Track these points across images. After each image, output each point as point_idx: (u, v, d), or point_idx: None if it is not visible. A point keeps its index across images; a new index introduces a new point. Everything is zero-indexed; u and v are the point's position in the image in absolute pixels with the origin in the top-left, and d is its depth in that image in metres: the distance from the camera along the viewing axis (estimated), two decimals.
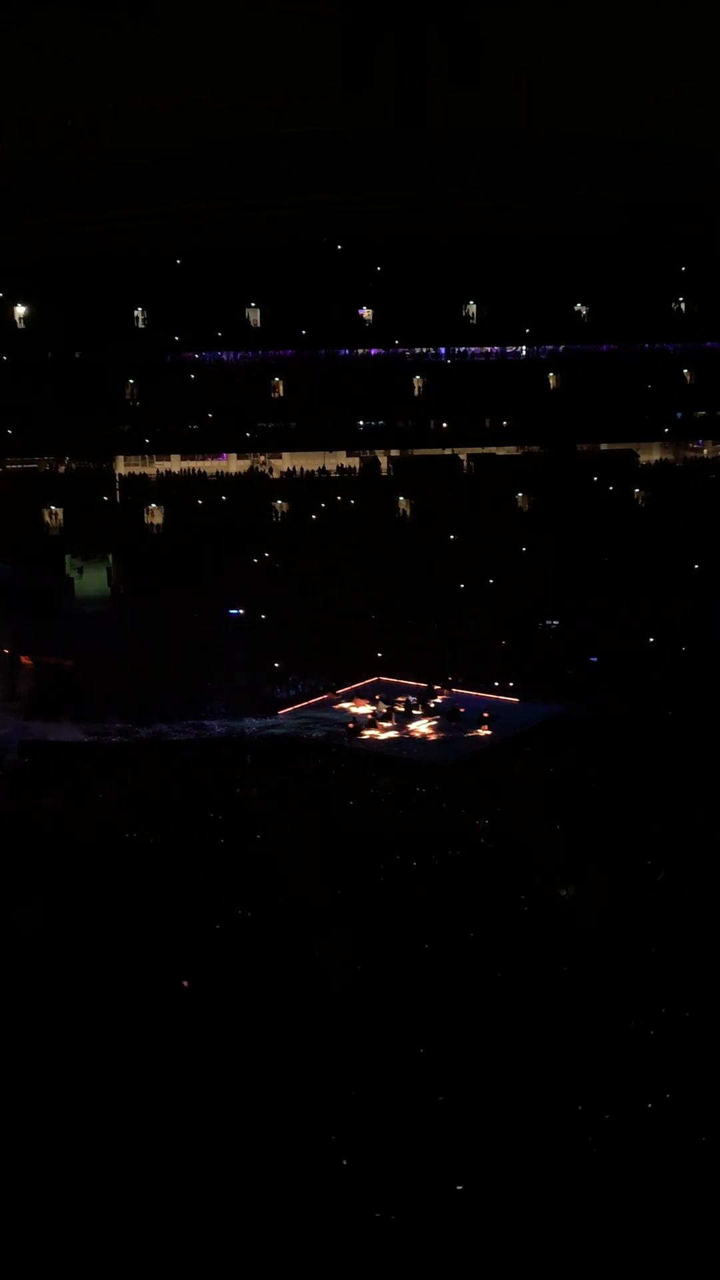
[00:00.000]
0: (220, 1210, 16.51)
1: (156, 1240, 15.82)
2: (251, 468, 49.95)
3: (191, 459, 49.52)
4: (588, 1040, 21.29)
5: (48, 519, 47.05)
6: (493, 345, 49.75)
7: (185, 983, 20.64)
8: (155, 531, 47.31)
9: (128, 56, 32.31)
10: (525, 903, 26.74)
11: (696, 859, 28.47)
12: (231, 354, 49.08)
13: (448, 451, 49.90)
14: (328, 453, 49.72)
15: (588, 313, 49.18)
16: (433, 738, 37.60)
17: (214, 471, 49.70)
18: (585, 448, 50.45)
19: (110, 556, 46.69)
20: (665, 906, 26.68)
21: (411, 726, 38.24)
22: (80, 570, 46.37)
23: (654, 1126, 18.84)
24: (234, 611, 44.21)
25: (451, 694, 40.66)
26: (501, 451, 49.87)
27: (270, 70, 36.49)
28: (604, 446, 50.54)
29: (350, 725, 37.80)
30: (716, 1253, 16.01)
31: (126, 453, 48.99)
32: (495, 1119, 18.79)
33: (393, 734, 37.74)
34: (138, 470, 49.24)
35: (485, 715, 38.03)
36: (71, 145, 41.89)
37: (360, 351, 49.49)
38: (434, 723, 38.48)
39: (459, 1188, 17.23)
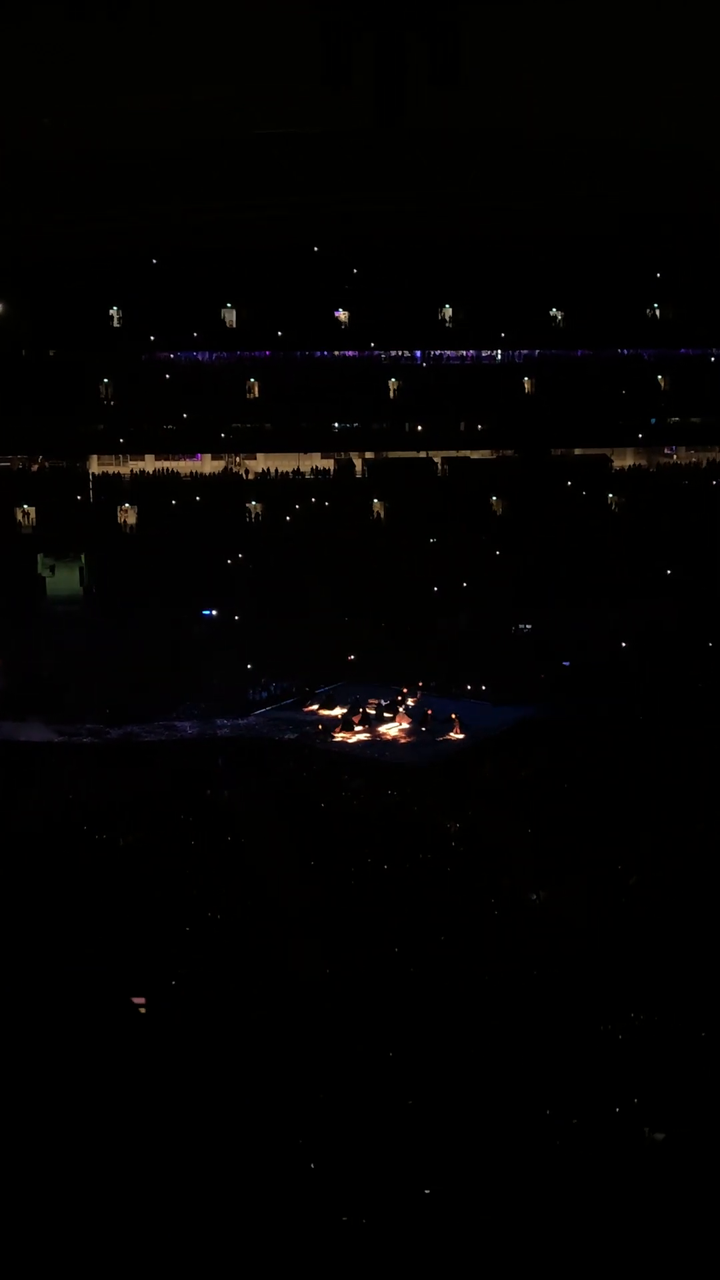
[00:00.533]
0: (185, 1206, 16.43)
1: (119, 1238, 15.73)
2: (226, 468, 49.85)
3: (166, 459, 49.38)
4: (555, 1044, 21.31)
5: (20, 518, 46.82)
6: (468, 349, 49.83)
7: (140, 1001, 20.43)
8: (128, 531, 47.15)
9: (105, 57, 32.23)
10: (495, 906, 26.76)
11: (667, 862, 28.55)
12: (207, 354, 48.98)
13: (422, 454, 49.95)
14: (303, 454, 49.68)
15: (563, 318, 49.36)
16: (404, 740, 37.59)
17: (188, 472, 49.57)
18: (559, 452, 50.57)
19: (83, 556, 46.48)
20: (636, 910, 26.74)
21: (383, 729, 38.22)
22: (52, 569, 46.14)
23: (621, 1130, 18.87)
24: (207, 612, 44.09)
25: (423, 696, 40.65)
26: (476, 455, 49.94)
27: (245, 72, 36.46)
28: (578, 451, 50.69)
29: (322, 727, 37.75)
30: (680, 1254, 16.03)
31: (100, 452, 48.81)
32: (462, 1123, 18.78)
33: (364, 736, 37.72)
34: (111, 470, 49.06)
35: (456, 718, 38.08)
36: (48, 145, 41.77)
37: (336, 353, 49.46)
38: (406, 725, 38.48)
39: (426, 1191, 17.20)
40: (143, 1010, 20.39)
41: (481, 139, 46.19)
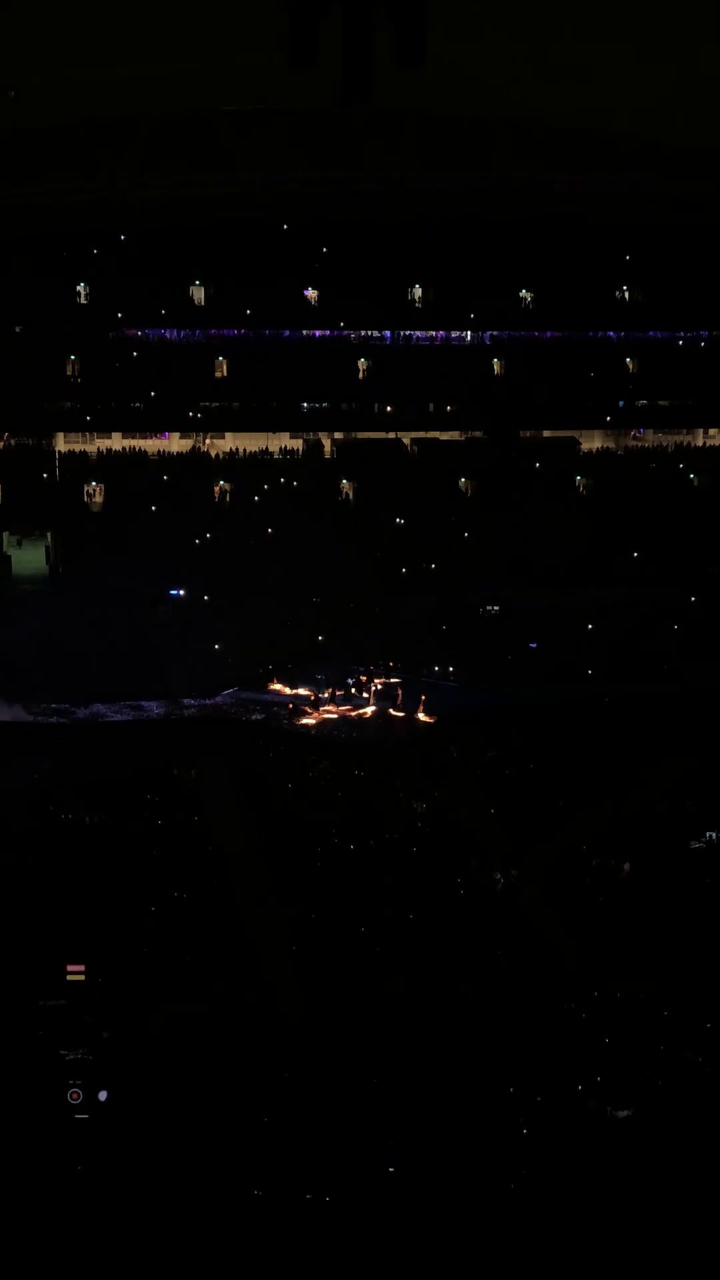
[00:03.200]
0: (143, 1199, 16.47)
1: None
2: (194, 447, 49.57)
3: (133, 437, 49.03)
4: (519, 1022, 21.48)
5: None
6: (437, 330, 49.73)
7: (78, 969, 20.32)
8: (95, 509, 46.87)
9: (71, 29, 31.90)
10: (461, 886, 26.91)
11: (631, 844, 28.78)
12: (175, 332, 48.65)
13: (391, 435, 49.86)
14: (271, 434, 49.45)
15: (532, 299, 49.34)
16: (372, 721, 37.65)
17: (156, 450, 49.28)
18: (528, 434, 50.60)
19: (49, 534, 46.17)
20: (600, 891, 26.96)
21: (351, 709, 38.27)
22: (19, 544, 45.82)
23: (584, 1108, 19.06)
24: (174, 592, 43.92)
25: (391, 677, 40.72)
26: (445, 436, 49.89)
27: (213, 47, 36.18)
28: (546, 433, 50.71)
29: (290, 707, 37.76)
30: (647, 1231, 16.22)
31: (67, 430, 48.40)
32: (427, 1101, 18.90)
33: (332, 716, 37.75)
34: (78, 448, 48.68)
35: (424, 699, 38.18)
36: (12, 118, 41.30)
37: (305, 333, 49.25)
38: (373, 706, 38.54)
39: (390, 1170, 17.32)
40: (81, 979, 20.26)
41: (448, 121, 46.06)
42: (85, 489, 46.90)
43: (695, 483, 49.76)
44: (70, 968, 20.23)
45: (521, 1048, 20.61)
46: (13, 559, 45.52)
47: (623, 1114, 18.84)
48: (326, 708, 38.22)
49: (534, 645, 42.35)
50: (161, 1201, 16.04)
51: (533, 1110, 18.79)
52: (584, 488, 49.21)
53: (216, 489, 47.70)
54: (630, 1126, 18.64)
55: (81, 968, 20.19)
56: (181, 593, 43.92)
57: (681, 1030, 21.22)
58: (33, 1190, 16.00)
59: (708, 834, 29.04)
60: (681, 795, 31.70)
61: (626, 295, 49.77)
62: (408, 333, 49.70)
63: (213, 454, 49.50)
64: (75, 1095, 17.50)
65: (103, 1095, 17.58)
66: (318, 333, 49.26)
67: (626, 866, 27.73)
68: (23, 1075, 18.35)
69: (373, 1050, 20.37)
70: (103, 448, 48.85)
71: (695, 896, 26.51)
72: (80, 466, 47.84)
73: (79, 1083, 17.57)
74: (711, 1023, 21.42)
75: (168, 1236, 15.50)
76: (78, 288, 47.36)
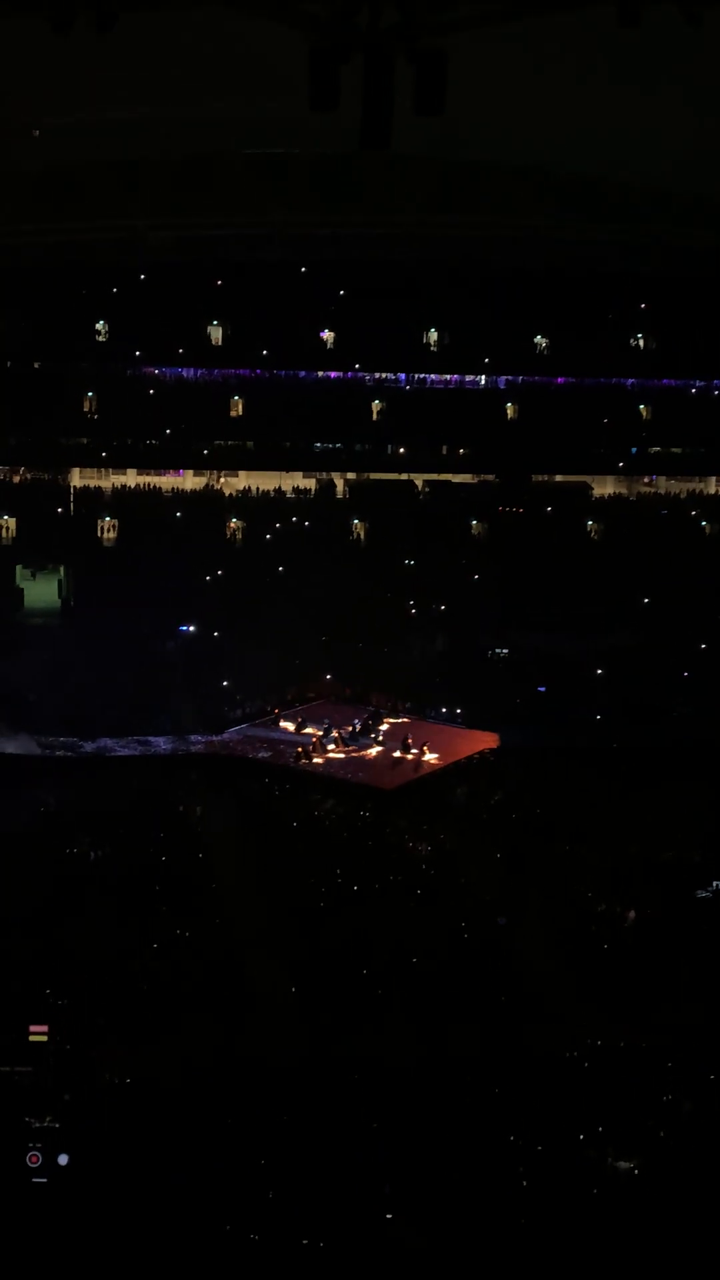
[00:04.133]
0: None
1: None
2: (207, 485, 49.83)
3: (147, 474, 49.34)
4: (520, 1070, 21.28)
5: None
6: (452, 373, 50.02)
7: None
8: (108, 545, 47.05)
9: (96, 70, 32.33)
10: (464, 930, 26.75)
11: (636, 891, 28.60)
12: (191, 371, 49.02)
13: (404, 476, 50.07)
14: (284, 473, 49.71)
15: (546, 345, 49.63)
16: (378, 762, 37.55)
17: (169, 487, 49.53)
18: (540, 478, 50.78)
19: (62, 568, 46.34)
20: (604, 939, 26.78)
21: (357, 750, 38.18)
22: (32, 578, 45.97)
23: (585, 1158, 18.84)
24: (184, 628, 43.98)
25: (398, 718, 40.65)
26: (457, 479, 50.09)
27: (238, 89, 36.67)
28: (559, 478, 50.89)
29: (298, 747, 37.70)
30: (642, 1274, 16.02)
31: (82, 465, 48.73)
32: (426, 1148, 18.71)
33: (338, 756, 37.67)
34: (92, 483, 48.97)
35: (430, 741, 38.08)
36: (36, 157, 41.87)
37: (320, 374, 49.57)
38: (380, 747, 38.46)
39: (387, 1216, 17.12)
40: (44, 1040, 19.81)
41: (467, 167, 46.53)
42: (99, 524, 47.11)
43: (706, 530, 49.85)
44: (33, 1028, 19.70)
45: (522, 1095, 20.42)
46: (25, 592, 45.66)
47: (624, 1165, 18.62)
48: (333, 747, 38.15)
49: (542, 689, 42.27)
50: (154, 1241, 15.86)
51: (533, 1160, 18.58)
52: (595, 533, 49.31)
53: (229, 527, 47.89)
54: (632, 1178, 18.42)
55: (45, 1028, 19.67)
56: (191, 629, 43.98)
57: (684, 1081, 21.00)
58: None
59: (714, 883, 28.85)
60: (687, 843, 31.52)
61: (640, 343, 50.07)
62: (422, 375, 49.98)
63: (226, 492, 49.72)
64: (34, 1159, 17.11)
65: (63, 1159, 17.18)
66: (333, 374, 49.58)
67: (631, 914, 27.54)
68: None
69: (371, 1094, 20.18)
70: (117, 484, 49.12)
71: (700, 945, 26.30)
72: (94, 502, 48.09)
73: (38, 1146, 17.15)
74: (715, 1074, 21.20)
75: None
76: (96, 325, 47.79)
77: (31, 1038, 19.24)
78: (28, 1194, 16.63)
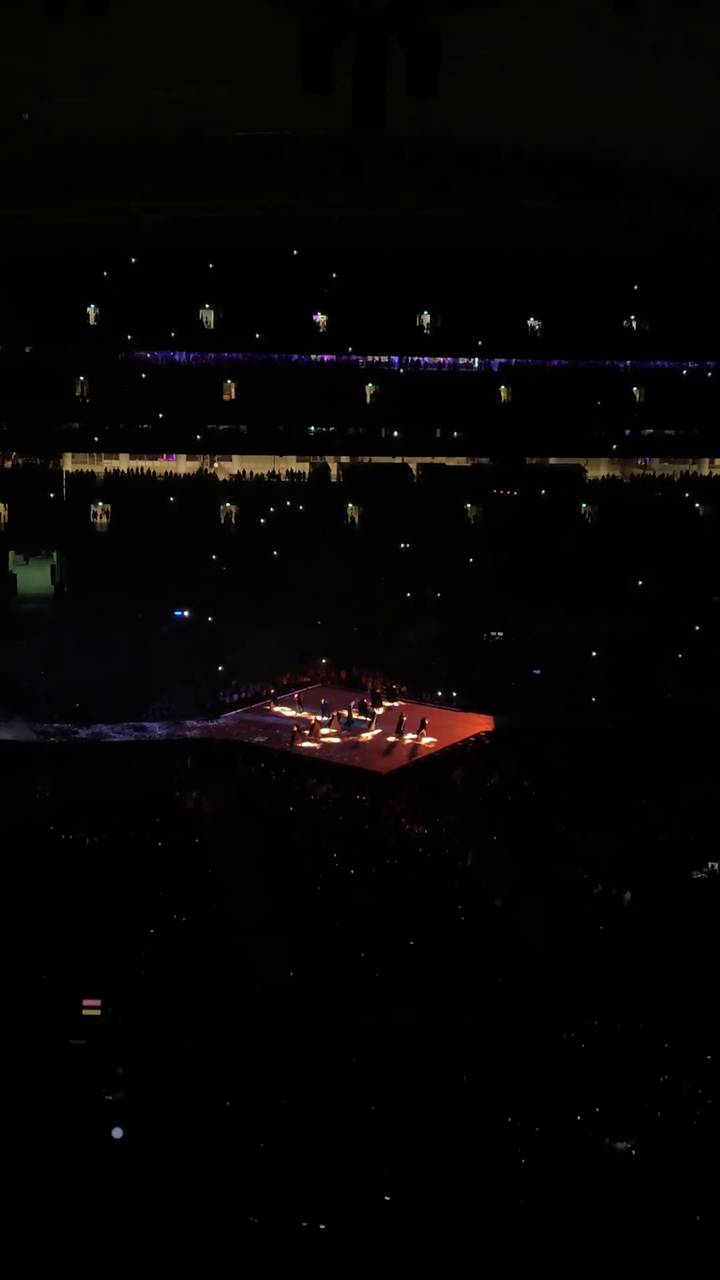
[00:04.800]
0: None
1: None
2: (200, 469, 49.73)
3: (140, 458, 49.25)
4: (518, 1051, 21.36)
5: None
6: (445, 356, 49.92)
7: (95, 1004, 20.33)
8: (101, 530, 46.96)
9: (87, 54, 32.14)
10: (461, 913, 26.81)
11: (632, 872, 28.67)
12: (184, 355, 48.88)
13: (398, 460, 49.99)
14: (278, 457, 49.64)
15: (540, 327, 49.54)
16: (374, 745, 37.58)
17: (162, 472, 49.44)
18: (534, 461, 50.73)
19: (55, 554, 46.24)
20: (601, 920, 26.85)
21: (353, 733, 38.21)
22: (25, 563, 45.86)
23: (581, 1139, 18.92)
24: (179, 612, 43.91)
25: (394, 702, 40.67)
26: (451, 462, 50.03)
27: (231, 73, 36.49)
28: (553, 461, 50.85)
29: (293, 730, 37.71)
30: (645, 1261, 16.09)
31: (74, 450, 48.64)
32: (425, 1130, 18.79)
33: (334, 740, 37.70)
34: (85, 468, 48.89)
35: (426, 723, 38.12)
36: (26, 141, 41.64)
37: (313, 357, 49.44)
38: (376, 730, 38.49)
39: (386, 1198, 17.20)
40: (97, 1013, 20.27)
41: (460, 150, 46.37)
42: (92, 509, 47.02)
43: (700, 512, 49.87)
44: (86, 1003, 20.21)
45: (520, 1077, 20.50)
46: (19, 578, 45.57)
47: (622, 1145, 18.71)
48: (329, 731, 38.17)
49: (538, 671, 42.29)
50: (159, 1230, 15.93)
51: (531, 1140, 18.67)
52: (589, 515, 49.30)
53: (223, 511, 47.81)
54: (629, 1158, 18.51)
55: (98, 1002, 20.17)
56: (186, 614, 43.92)
57: (681, 1061, 21.10)
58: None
59: (710, 864, 28.94)
60: (683, 825, 31.60)
61: (634, 325, 50.00)
62: (416, 359, 49.90)
63: (219, 476, 49.64)
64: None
65: (117, 1133, 17.44)
66: (326, 357, 49.46)
67: (628, 895, 27.61)
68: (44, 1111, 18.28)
69: (369, 1077, 20.26)
70: (110, 468, 49.02)
71: (696, 926, 26.39)
72: (87, 487, 47.99)
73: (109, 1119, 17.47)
74: (711, 1054, 21.29)
75: (165, 1264, 15.39)
76: (88, 309, 47.62)
77: (85, 1012, 19.66)
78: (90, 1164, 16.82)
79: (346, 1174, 17.51)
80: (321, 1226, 16.28)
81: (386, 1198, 17.13)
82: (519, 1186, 17.48)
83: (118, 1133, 17.30)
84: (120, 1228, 15.66)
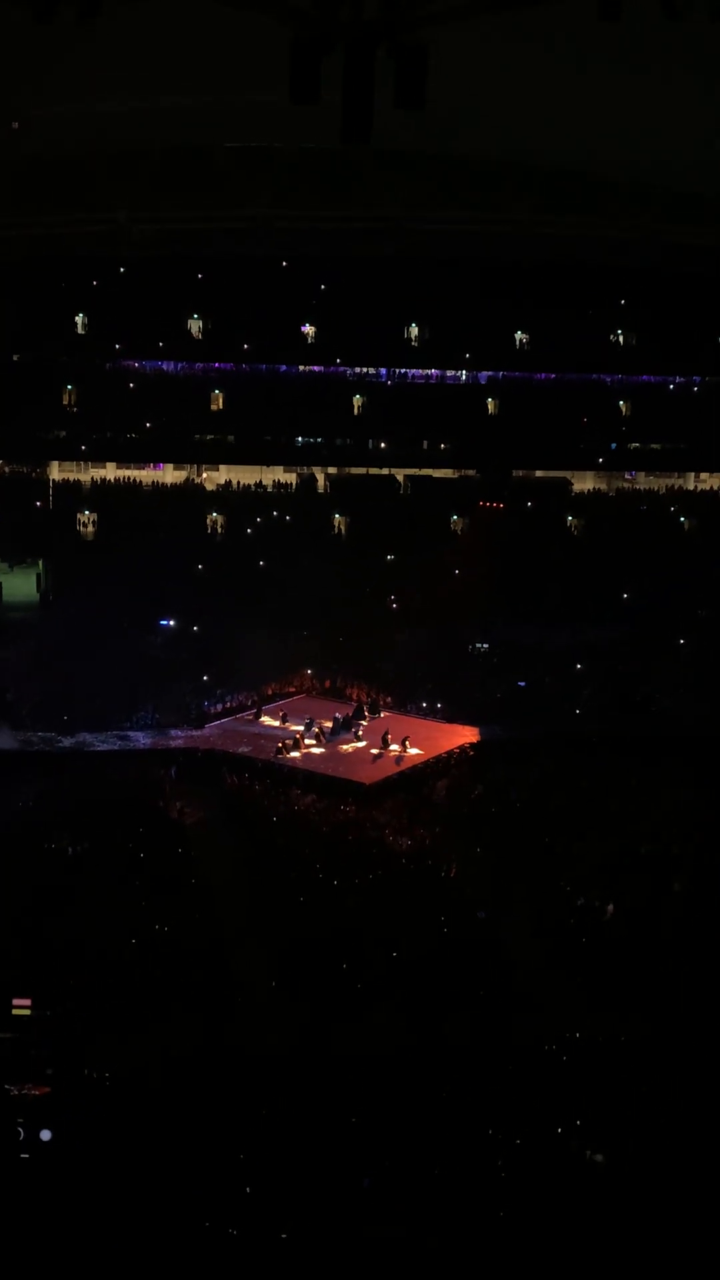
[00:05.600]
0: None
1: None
2: (188, 479, 49.73)
3: (127, 468, 49.24)
4: (500, 1063, 21.34)
5: None
6: (433, 368, 50.08)
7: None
8: (88, 538, 46.91)
9: (77, 62, 32.19)
10: (444, 924, 26.78)
11: (616, 884, 28.67)
12: (172, 364, 48.93)
13: (385, 471, 50.07)
14: (265, 467, 49.68)
15: (526, 341, 49.71)
16: (359, 756, 37.55)
17: (150, 481, 49.44)
18: (521, 474, 50.85)
19: (41, 562, 46.16)
20: (583, 931, 26.85)
21: (337, 744, 38.19)
22: (10, 570, 45.80)
23: (562, 1151, 18.90)
24: (165, 622, 43.85)
25: (379, 713, 40.65)
26: (438, 474, 50.12)
27: (219, 83, 36.57)
28: (539, 473, 50.98)
29: (279, 742, 37.65)
30: (625, 1273, 16.08)
31: (62, 459, 48.62)
32: (406, 1141, 18.75)
33: (318, 751, 37.65)
34: (72, 477, 48.86)
35: (411, 735, 38.08)
36: (16, 149, 41.66)
37: (301, 368, 49.54)
38: (361, 741, 38.46)
39: (366, 1209, 17.15)
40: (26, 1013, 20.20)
41: (448, 161, 46.54)
42: (79, 518, 46.98)
43: (686, 525, 50.03)
44: (16, 1001, 20.08)
45: (502, 1088, 20.47)
46: (3, 586, 45.47)
47: (602, 1157, 18.69)
48: (314, 742, 38.13)
49: (522, 684, 42.33)
50: (132, 1231, 15.85)
51: (512, 1152, 18.63)
52: (575, 528, 49.43)
53: (209, 521, 47.80)
54: (610, 1170, 18.48)
55: (28, 1001, 20.02)
56: (172, 623, 43.87)
57: (663, 1073, 21.09)
58: None
59: (692, 876, 28.94)
60: (667, 836, 31.62)
61: (620, 339, 50.22)
62: (403, 371, 50.04)
63: (207, 486, 49.65)
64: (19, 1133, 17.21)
65: (45, 1135, 17.23)
66: (314, 368, 49.56)
67: (611, 908, 27.61)
68: None
69: (351, 1088, 20.21)
70: (97, 477, 49.00)
71: (679, 938, 26.39)
72: (74, 495, 47.95)
73: (22, 1121, 17.22)
74: (693, 1066, 21.29)
75: (141, 1272, 15.32)
76: (76, 318, 47.64)
77: (14, 1011, 19.55)
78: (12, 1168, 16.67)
79: (327, 1185, 17.45)
80: (301, 1238, 16.23)
81: (367, 1209, 17.08)
82: (500, 1198, 17.45)
83: (46, 1135, 17.11)
84: (97, 1240, 15.59)
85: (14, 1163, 16.71)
